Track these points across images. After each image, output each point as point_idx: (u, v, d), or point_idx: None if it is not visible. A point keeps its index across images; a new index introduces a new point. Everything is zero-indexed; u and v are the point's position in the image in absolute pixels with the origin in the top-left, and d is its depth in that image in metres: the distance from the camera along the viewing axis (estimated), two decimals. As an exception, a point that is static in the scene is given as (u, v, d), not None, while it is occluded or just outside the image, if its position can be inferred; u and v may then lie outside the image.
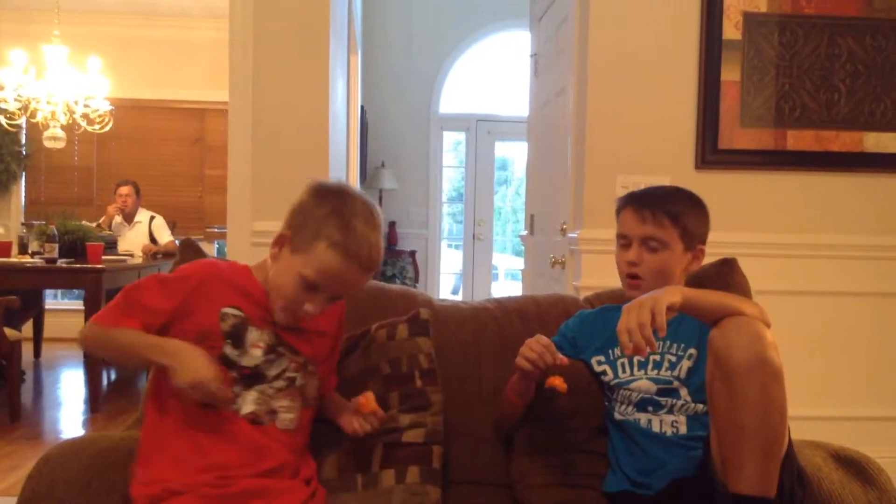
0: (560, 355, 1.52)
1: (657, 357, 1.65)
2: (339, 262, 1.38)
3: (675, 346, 1.64)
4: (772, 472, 1.27)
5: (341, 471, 1.57)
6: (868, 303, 3.04)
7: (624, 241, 1.71)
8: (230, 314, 1.42)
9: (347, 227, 1.39)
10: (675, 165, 2.97)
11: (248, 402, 1.42)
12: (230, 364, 1.42)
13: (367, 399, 1.49)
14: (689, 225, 1.68)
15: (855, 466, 1.50)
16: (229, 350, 1.41)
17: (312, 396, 1.54)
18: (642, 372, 1.65)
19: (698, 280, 1.88)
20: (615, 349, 1.71)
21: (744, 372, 1.26)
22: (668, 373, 1.62)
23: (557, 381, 1.52)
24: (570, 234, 3.10)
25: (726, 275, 1.86)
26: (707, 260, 1.91)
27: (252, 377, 1.43)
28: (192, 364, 1.30)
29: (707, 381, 1.36)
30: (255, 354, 1.43)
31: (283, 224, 1.45)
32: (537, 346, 1.52)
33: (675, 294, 1.35)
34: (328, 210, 1.40)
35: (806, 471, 1.47)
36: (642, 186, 2.51)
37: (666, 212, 1.67)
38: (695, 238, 1.71)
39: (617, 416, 1.67)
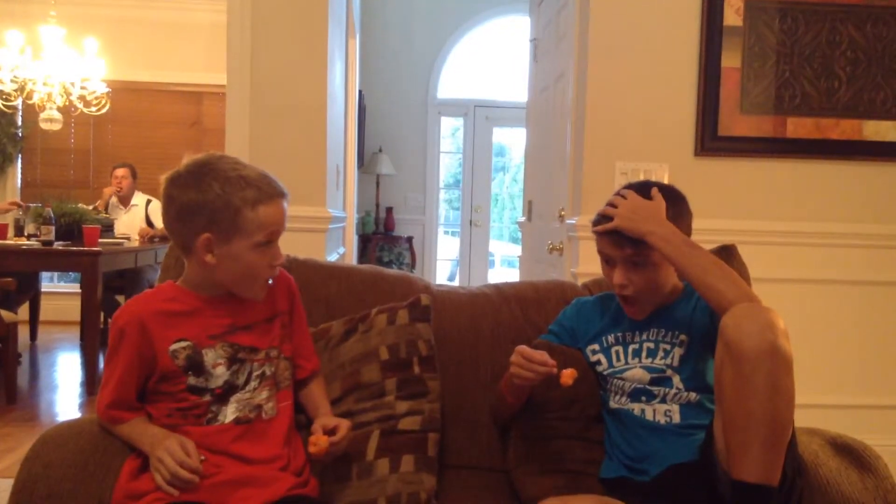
0: (549, 360, 1.48)
1: (651, 345, 1.65)
2: (268, 209, 1.42)
3: (669, 334, 1.64)
4: (776, 461, 1.26)
5: (336, 461, 1.56)
6: (868, 291, 3.04)
7: (607, 260, 1.67)
8: (179, 349, 1.42)
9: (244, 181, 1.41)
10: (674, 152, 2.96)
11: (230, 413, 1.44)
12: (200, 391, 1.43)
13: (318, 448, 1.43)
14: None
15: (852, 453, 1.50)
16: (193, 381, 1.42)
17: (285, 377, 1.55)
18: (636, 360, 1.65)
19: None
20: (609, 336, 1.71)
21: (754, 359, 1.25)
22: (662, 361, 1.62)
23: (567, 377, 1.49)
24: (569, 221, 3.09)
25: (725, 261, 1.84)
26: (706, 247, 1.90)
27: (226, 393, 1.44)
28: (159, 447, 1.36)
29: (716, 368, 1.35)
30: (219, 373, 1.44)
31: (187, 235, 1.42)
32: (526, 364, 1.49)
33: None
34: (218, 188, 1.39)
35: (803, 458, 1.47)
36: (641, 174, 2.50)
37: None
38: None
39: (612, 404, 1.67)
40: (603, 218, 1.63)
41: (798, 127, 2.98)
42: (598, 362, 1.71)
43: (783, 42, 2.95)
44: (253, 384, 1.47)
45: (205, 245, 1.41)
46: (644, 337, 1.67)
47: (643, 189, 1.64)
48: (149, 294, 1.51)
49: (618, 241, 1.60)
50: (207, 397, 1.42)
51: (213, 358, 1.43)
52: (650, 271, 1.60)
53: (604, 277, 2.01)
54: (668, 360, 1.61)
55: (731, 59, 2.94)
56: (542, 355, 1.49)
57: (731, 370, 1.29)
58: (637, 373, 1.63)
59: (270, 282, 1.51)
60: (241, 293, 1.48)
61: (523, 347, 1.52)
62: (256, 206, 1.40)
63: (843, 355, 3.06)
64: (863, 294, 3.04)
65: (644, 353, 1.65)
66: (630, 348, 1.67)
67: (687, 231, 1.66)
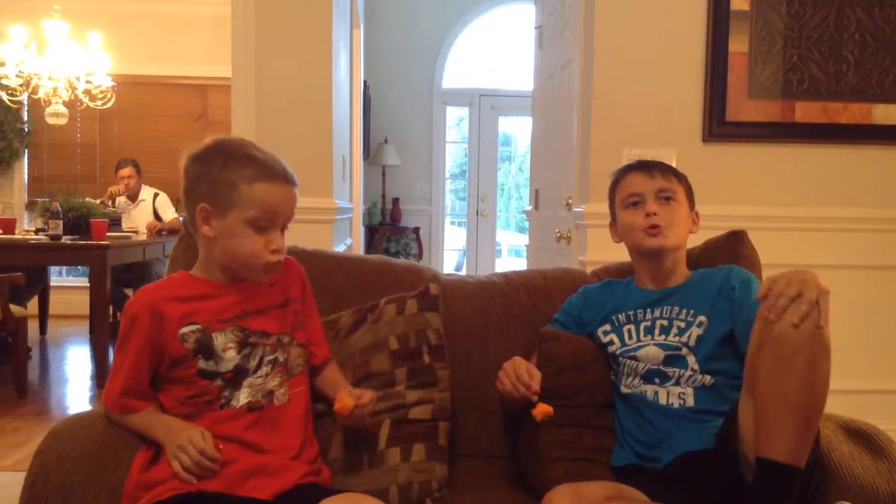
0: (535, 388, 1.51)
1: (664, 322, 1.65)
2: (266, 186, 1.43)
3: (684, 311, 1.64)
4: (806, 444, 1.26)
5: (347, 450, 1.56)
6: (878, 276, 3.02)
7: (635, 200, 1.73)
8: (188, 332, 1.42)
9: (248, 159, 1.44)
10: (682, 138, 2.94)
11: (242, 397, 1.44)
12: (211, 375, 1.42)
13: (342, 404, 1.44)
14: (687, 185, 1.78)
15: (864, 438, 1.49)
16: (203, 364, 1.42)
17: (297, 364, 1.54)
18: (649, 337, 1.65)
19: (707, 252, 1.87)
20: (620, 314, 1.72)
21: (795, 343, 1.26)
22: (677, 339, 1.62)
23: (538, 412, 1.49)
24: (576, 209, 3.08)
25: (735, 247, 1.84)
26: (715, 233, 1.90)
27: (236, 377, 1.44)
28: (179, 436, 1.36)
29: (751, 350, 1.34)
30: (229, 357, 1.44)
31: (190, 206, 1.46)
32: (512, 377, 1.53)
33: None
34: (220, 161, 1.44)
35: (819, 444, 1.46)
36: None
37: (670, 170, 1.76)
38: (692, 200, 1.78)
39: (623, 388, 1.67)
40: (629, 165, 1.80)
41: (806, 111, 2.96)
42: (611, 342, 1.71)
43: (791, 26, 2.93)
44: (265, 369, 1.47)
45: (202, 216, 1.43)
46: (657, 314, 1.67)
47: (653, 160, 1.79)
48: (161, 282, 1.52)
49: (648, 171, 1.73)
50: (219, 382, 1.42)
51: (223, 342, 1.43)
52: (676, 207, 1.71)
53: (614, 264, 2.01)
54: (685, 339, 1.61)
55: (738, 44, 2.92)
56: (534, 380, 1.52)
57: (769, 352, 1.28)
58: (651, 350, 1.63)
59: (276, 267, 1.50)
60: (241, 274, 1.48)
61: (522, 363, 1.56)
62: (254, 182, 1.42)
63: (855, 339, 3.04)
64: (873, 278, 3.02)
65: (657, 330, 1.65)
66: (642, 325, 1.68)
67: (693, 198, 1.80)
